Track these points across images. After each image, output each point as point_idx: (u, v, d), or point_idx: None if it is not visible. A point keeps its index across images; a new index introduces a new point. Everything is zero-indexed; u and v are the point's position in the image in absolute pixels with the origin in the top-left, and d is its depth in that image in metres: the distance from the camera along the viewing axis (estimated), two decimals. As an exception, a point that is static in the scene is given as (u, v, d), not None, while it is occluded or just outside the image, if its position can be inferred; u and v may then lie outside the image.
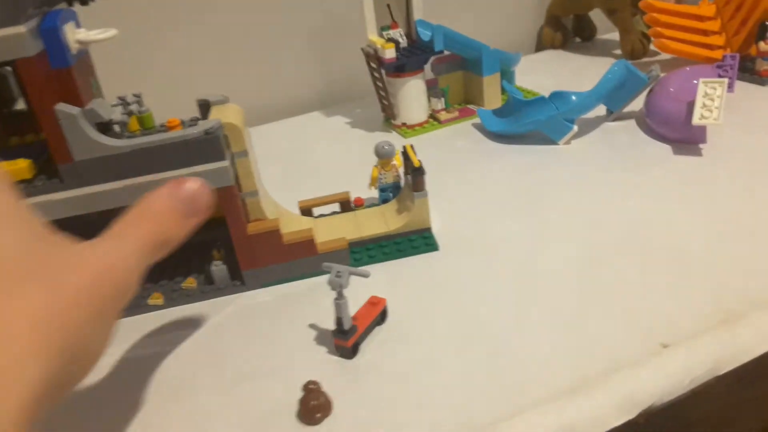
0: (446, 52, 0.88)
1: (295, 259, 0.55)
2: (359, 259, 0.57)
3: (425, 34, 0.86)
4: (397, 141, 0.86)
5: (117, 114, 0.57)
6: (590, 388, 0.43)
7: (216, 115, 0.51)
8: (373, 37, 0.85)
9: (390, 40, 0.84)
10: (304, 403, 0.43)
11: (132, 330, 0.53)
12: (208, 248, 0.56)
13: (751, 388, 0.48)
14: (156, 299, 0.55)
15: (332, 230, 0.59)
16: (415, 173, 0.56)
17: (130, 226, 0.37)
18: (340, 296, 0.47)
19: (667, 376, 0.43)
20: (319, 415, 0.43)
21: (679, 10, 0.95)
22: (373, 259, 0.57)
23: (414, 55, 0.85)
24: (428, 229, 0.59)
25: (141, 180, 0.49)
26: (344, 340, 0.47)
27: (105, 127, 0.52)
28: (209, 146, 0.48)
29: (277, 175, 0.79)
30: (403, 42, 0.86)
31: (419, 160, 0.57)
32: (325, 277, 0.48)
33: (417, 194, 0.57)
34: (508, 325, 0.49)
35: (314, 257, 0.55)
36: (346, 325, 0.47)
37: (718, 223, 0.58)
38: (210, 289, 0.55)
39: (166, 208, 0.39)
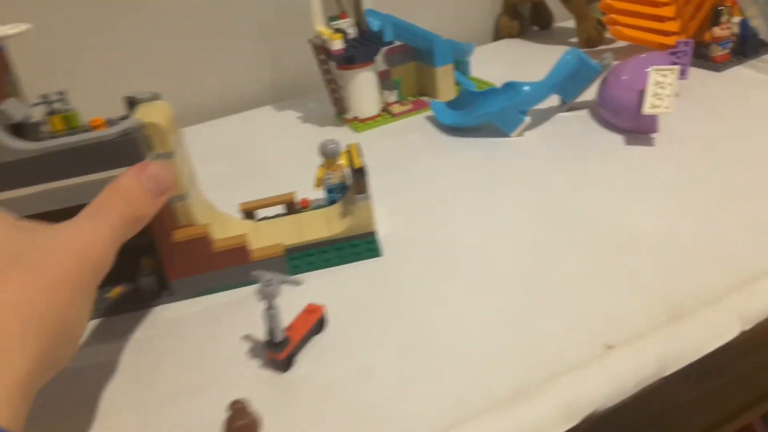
0: (398, 43, 0.86)
1: (227, 267, 0.52)
2: (298, 266, 0.54)
3: (375, 25, 0.83)
4: (349, 136, 0.84)
5: (38, 114, 0.54)
6: (532, 394, 0.41)
7: (141, 113, 0.48)
8: (321, 27, 0.82)
9: (338, 30, 0.81)
10: (229, 423, 0.40)
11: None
12: (137, 255, 0.53)
13: (698, 385, 0.47)
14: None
15: (272, 235, 0.56)
16: (357, 175, 0.54)
17: (103, 207, 0.40)
18: (270, 306, 0.44)
19: (611, 379, 0.42)
20: (246, 434, 0.40)
21: (631, -4, 0.93)
22: (312, 266, 0.55)
23: (364, 46, 0.82)
24: (372, 233, 0.56)
25: (55, 185, 0.46)
26: (277, 352, 0.45)
27: (25, 129, 0.49)
28: (126, 148, 0.45)
29: (222, 175, 0.76)
30: (353, 33, 0.83)
31: (362, 161, 0.54)
32: (260, 286, 0.45)
33: (359, 197, 0.54)
34: (452, 329, 0.47)
35: (249, 265, 0.52)
36: (278, 337, 0.45)
37: (667, 215, 0.57)
38: (137, 299, 0.52)
39: (134, 188, 0.42)
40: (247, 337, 0.49)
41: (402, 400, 0.42)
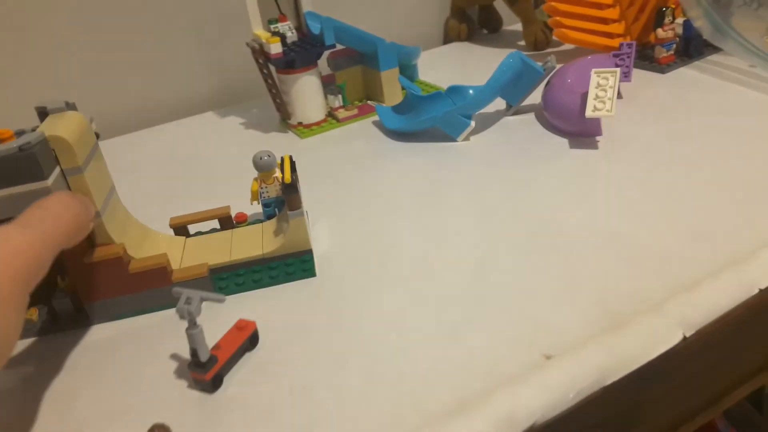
0: (339, 47, 0.84)
1: (145, 289, 0.49)
2: (225, 287, 0.51)
3: (315, 27, 0.81)
4: (294, 142, 0.81)
5: None
6: (469, 409, 0.39)
7: (49, 125, 0.45)
8: (258, 30, 0.80)
9: (276, 34, 0.79)
10: (148, 448, 0.38)
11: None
12: (54, 274, 0.50)
13: (647, 390, 0.46)
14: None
15: (200, 253, 0.53)
16: (288, 190, 0.51)
17: (33, 218, 0.38)
18: (192, 325, 0.41)
19: (550, 391, 0.40)
20: (166, 463, 0.38)
21: (578, -1, 0.93)
22: (241, 288, 0.51)
23: (304, 49, 0.80)
24: (307, 252, 0.53)
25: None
26: (202, 373, 0.42)
27: None
28: (25, 164, 0.41)
29: (158, 185, 0.73)
30: (292, 36, 0.81)
31: (293, 176, 0.52)
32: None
33: (291, 213, 0.51)
34: (389, 345, 0.45)
35: (169, 287, 0.48)
36: (203, 357, 0.42)
37: (608, 219, 0.56)
38: (52, 322, 0.49)
39: (62, 207, 0.40)
40: (173, 358, 0.46)
41: (337, 420, 0.40)
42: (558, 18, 0.92)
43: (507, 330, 0.45)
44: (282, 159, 0.55)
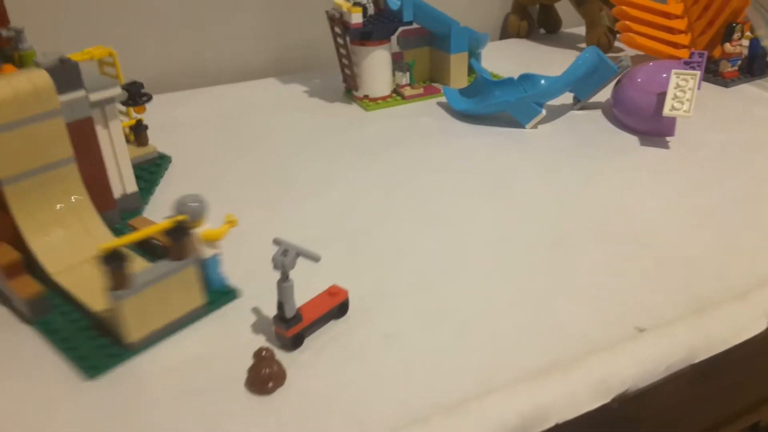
0: (415, 25, 0.85)
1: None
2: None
3: (394, 3, 0.82)
4: (358, 113, 0.82)
5: None
6: (564, 370, 0.40)
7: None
8: (339, 0, 0.80)
9: (356, 4, 0.80)
10: (254, 371, 0.39)
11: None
12: None
13: (706, 383, 0.47)
14: None
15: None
16: (110, 262, 0.40)
17: None
18: (284, 278, 0.41)
19: (643, 362, 0.41)
20: (271, 384, 0.39)
21: (648, 6, 0.94)
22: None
23: (382, 23, 0.81)
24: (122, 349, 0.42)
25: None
26: (284, 328, 0.42)
27: None
28: None
29: (211, 143, 0.74)
30: (370, 9, 0.82)
31: (121, 249, 0.41)
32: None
33: (113, 294, 0.40)
34: (475, 305, 0.46)
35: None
36: (289, 313, 0.42)
37: (687, 214, 0.57)
38: None
39: None
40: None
41: (430, 368, 0.41)
42: (626, 22, 0.93)
43: (595, 303, 0.46)
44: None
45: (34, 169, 0.47)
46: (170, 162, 0.68)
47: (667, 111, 0.68)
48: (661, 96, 0.70)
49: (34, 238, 0.47)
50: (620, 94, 0.76)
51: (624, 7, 0.93)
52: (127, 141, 0.60)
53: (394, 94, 0.87)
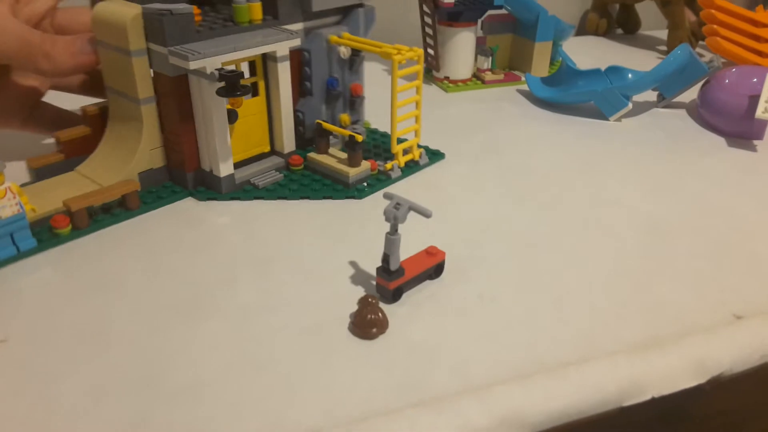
0: (503, 11, 0.85)
1: None
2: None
3: (485, -13, 0.82)
4: (437, 94, 0.83)
5: None
6: (662, 347, 0.40)
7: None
8: (433, -22, 0.81)
9: (450, -16, 0.80)
10: (360, 315, 0.40)
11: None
12: None
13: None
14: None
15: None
16: None
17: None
18: (393, 231, 0.42)
19: (740, 348, 0.41)
20: (374, 330, 0.40)
21: (736, 11, 0.93)
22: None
23: (471, 5, 0.81)
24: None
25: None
26: (387, 280, 0.43)
27: None
28: None
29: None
30: (462, -10, 0.82)
31: None
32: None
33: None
34: (572, 280, 0.46)
35: None
36: (393, 265, 0.42)
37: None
38: None
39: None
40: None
41: (528, 330, 0.41)
42: (714, 26, 0.92)
43: (693, 287, 0.46)
44: None
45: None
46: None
47: (759, 113, 0.67)
48: (754, 99, 0.69)
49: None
50: (709, 95, 0.75)
51: (713, 11, 0.92)
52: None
53: (474, 78, 0.87)
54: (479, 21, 0.85)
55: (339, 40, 0.58)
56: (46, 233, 0.49)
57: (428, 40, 0.85)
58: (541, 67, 0.88)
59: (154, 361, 0.38)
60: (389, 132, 0.59)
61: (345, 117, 0.62)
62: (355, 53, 0.60)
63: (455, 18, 0.82)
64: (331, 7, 0.58)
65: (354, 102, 0.64)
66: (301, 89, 0.60)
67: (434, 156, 0.64)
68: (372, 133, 0.68)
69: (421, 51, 0.57)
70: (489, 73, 0.87)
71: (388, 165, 0.58)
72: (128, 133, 0.54)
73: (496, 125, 0.73)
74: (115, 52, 0.51)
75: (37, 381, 0.36)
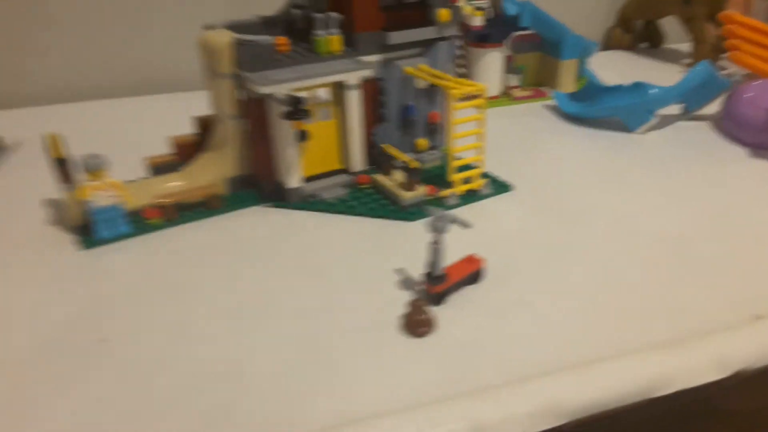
0: (529, 31, 0.89)
1: None
2: None
3: (511, 9, 0.87)
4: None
5: None
6: (688, 343, 0.44)
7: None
8: (462, 3, 0.86)
9: (479, 8, 0.85)
10: (411, 316, 0.44)
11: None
12: None
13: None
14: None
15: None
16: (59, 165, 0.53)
17: None
18: (437, 241, 0.46)
19: (760, 345, 0.45)
20: (423, 329, 0.44)
21: (757, 26, 0.96)
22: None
23: (499, 27, 0.86)
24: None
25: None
26: (432, 285, 0.47)
27: None
28: None
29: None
30: (489, 13, 0.87)
31: (61, 151, 0.54)
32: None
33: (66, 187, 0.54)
34: (601, 283, 0.50)
35: None
36: (437, 272, 0.47)
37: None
38: None
39: None
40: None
41: (563, 330, 0.45)
42: (735, 41, 0.95)
43: (716, 289, 0.50)
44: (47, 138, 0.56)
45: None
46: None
47: (780, 125, 0.70)
48: (773, 111, 0.72)
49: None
50: (731, 107, 0.78)
51: (733, 27, 0.95)
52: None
53: (503, 95, 0.92)
54: (507, 41, 0.90)
55: (413, 71, 0.62)
56: (140, 222, 0.57)
57: (458, 60, 0.90)
58: (568, 83, 0.92)
59: (234, 355, 0.43)
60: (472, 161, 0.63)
61: (422, 142, 0.67)
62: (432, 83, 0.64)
63: (484, 39, 0.86)
64: (407, 41, 0.61)
65: (432, 129, 0.68)
66: (377, 115, 0.64)
67: (501, 187, 0.65)
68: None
69: (483, 86, 0.59)
70: (518, 89, 0.91)
71: (445, 192, 0.62)
72: (222, 142, 0.61)
73: (526, 139, 0.78)
74: (213, 74, 0.57)
75: (136, 375, 0.41)
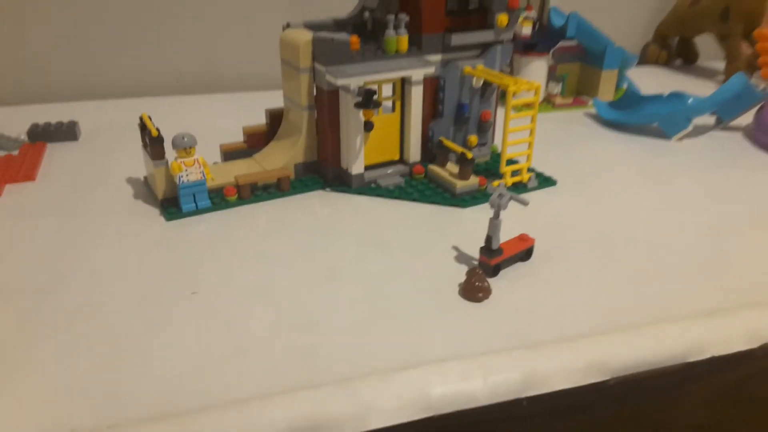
0: (574, 42, 0.95)
1: None
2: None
3: (557, 21, 0.92)
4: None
5: None
6: (724, 315, 0.48)
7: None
8: (513, 13, 0.92)
9: (527, 18, 0.91)
10: (468, 282, 0.49)
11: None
12: None
13: None
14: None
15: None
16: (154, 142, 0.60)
17: None
18: (496, 216, 0.52)
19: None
20: (481, 294, 0.49)
21: (791, 45, 1.00)
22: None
23: (546, 37, 0.91)
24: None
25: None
26: (489, 257, 0.52)
27: None
28: None
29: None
30: (536, 23, 0.92)
31: (157, 129, 0.60)
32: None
33: (156, 162, 0.61)
34: (645, 260, 0.56)
35: None
36: (495, 245, 0.52)
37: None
38: None
39: None
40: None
41: (609, 299, 0.50)
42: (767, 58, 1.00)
43: (746, 270, 0.54)
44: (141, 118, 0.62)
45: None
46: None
47: (810, 134, 0.75)
48: (805, 122, 0.77)
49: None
50: (763, 119, 0.83)
51: (766, 44, 1.00)
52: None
53: (545, 102, 0.97)
54: (551, 51, 0.95)
55: (471, 71, 0.68)
56: (219, 198, 0.64)
57: (505, 68, 0.95)
58: (607, 92, 0.97)
59: (313, 311, 0.48)
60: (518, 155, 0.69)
61: (473, 138, 0.72)
62: (487, 83, 0.70)
63: (531, 48, 0.92)
64: (468, 42, 0.67)
65: (483, 126, 0.73)
66: (434, 110, 0.70)
67: (545, 181, 0.71)
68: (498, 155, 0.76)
69: (538, 84, 0.65)
70: (559, 97, 0.97)
71: (495, 183, 0.67)
72: (293, 131, 0.68)
73: (567, 142, 0.83)
74: (291, 68, 0.64)
75: (225, 322, 0.47)
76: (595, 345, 0.45)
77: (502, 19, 0.67)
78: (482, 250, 0.53)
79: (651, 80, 1.15)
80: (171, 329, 0.46)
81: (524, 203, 0.52)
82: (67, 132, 0.81)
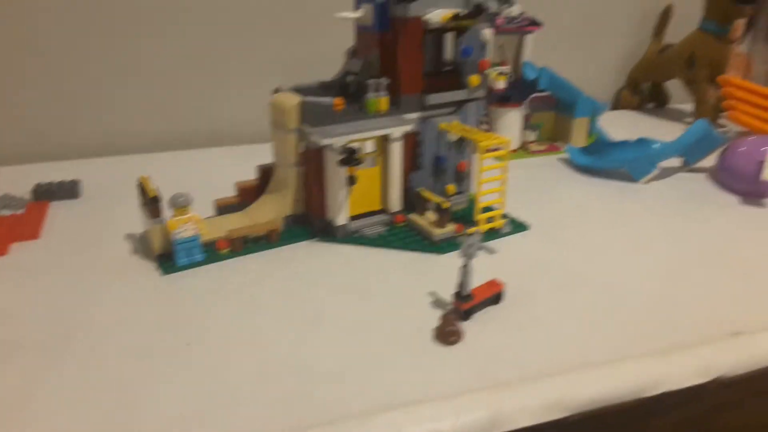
0: (546, 93, 1.01)
1: None
2: None
3: (530, 74, 0.98)
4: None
5: None
6: (673, 352, 0.53)
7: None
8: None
9: (501, 73, 0.97)
10: (442, 327, 0.54)
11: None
12: None
13: None
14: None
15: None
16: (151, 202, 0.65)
17: None
18: (465, 264, 0.57)
19: (737, 356, 0.53)
20: (453, 338, 0.53)
21: (753, 89, 1.06)
22: None
23: (519, 90, 0.97)
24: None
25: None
26: (460, 303, 0.57)
27: None
28: None
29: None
30: (510, 78, 0.98)
31: (154, 190, 0.66)
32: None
33: (154, 221, 0.66)
34: (603, 302, 0.60)
35: None
36: (465, 291, 0.57)
37: (780, 258, 0.69)
38: None
39: None
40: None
41: (573, 342, 0.54)
42: (733, 102, 1.06)
43: (701, 308, 0.59)
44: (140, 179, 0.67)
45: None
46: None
47: (765, 176, 0.80)
48: (761, 163, 0.82)
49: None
50: (725, 160, 0.88)
51: (731, 89, 1.06)
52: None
53: (520, 149, 1.02)
54: (525, 102, 1.01)
55: (447, 126, 0.73)
56: (212, 251, 0.69)
57: (482, 118, 1.01)
58: (579, 139, 1.02)
59: (298, 357, 0.52)
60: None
61: (451, 188, 0.77)
62: (462, 138, 0.76)
63: (505, 100, 0.98)
64: (443, 102, 0.73)
65: (460, 176, 0.79)
66: (414, 163, 0.75)
67: (518, 227, 0.75)
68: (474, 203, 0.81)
69: (507, 140, 0.70)
70: (534, 144, 1.02)
71: (471, 230, 0.70)
72: (282, 186, 0.72)
73: (541, 187, 0.88)
74: (280, 129, 0.69)
75: (219, 370, 0.51)
76: (554, 383, 0.49)
77: (473, 79, 0.73)
78: (455, 296, 0.58)
79: (625, 123, 1.21)
80: (167, 380, 0.50)
81: (491, 252, 0.57)
82: (69, 190, 0.86)
